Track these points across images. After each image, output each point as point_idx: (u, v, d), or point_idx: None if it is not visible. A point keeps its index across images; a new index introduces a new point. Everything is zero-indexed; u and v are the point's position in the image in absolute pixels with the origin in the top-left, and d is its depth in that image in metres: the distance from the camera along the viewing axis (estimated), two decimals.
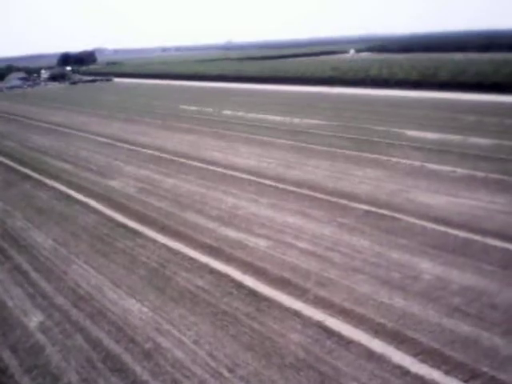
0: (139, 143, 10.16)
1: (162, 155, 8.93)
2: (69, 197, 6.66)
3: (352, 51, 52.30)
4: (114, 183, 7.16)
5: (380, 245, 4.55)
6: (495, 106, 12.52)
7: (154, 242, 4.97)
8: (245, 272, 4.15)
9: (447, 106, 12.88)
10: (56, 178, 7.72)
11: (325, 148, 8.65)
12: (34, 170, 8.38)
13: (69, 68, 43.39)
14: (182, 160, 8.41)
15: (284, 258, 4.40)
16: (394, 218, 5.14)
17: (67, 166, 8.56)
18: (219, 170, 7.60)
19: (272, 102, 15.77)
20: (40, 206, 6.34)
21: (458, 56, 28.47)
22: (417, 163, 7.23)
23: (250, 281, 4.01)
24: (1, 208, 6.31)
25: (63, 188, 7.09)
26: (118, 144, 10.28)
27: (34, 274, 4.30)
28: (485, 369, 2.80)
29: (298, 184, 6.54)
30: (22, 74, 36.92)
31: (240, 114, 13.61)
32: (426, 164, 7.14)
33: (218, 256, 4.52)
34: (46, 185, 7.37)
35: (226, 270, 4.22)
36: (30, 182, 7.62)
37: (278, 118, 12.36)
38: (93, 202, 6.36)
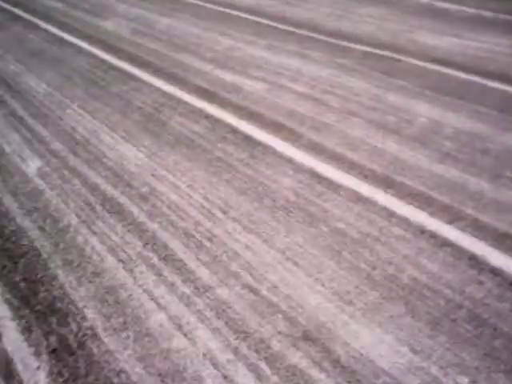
0: None
1: None
2: (61, 39, 6.49)
3: None
4: (107, 24, 6.94)
5: (378, 87, 4.51)
6: None
7: (149, 85, 4.93)
8: (240, 117, 4.17)
9: None
10: (48, 18, 7.46)
11: None
12: (26, 10, 8.08)
13: None
14: None
15: (280, 101, 4.38)
16: (394, 60, 5.04)
17: (59, 5, 8.25)
18: (217, 7, 7.32)
19: None
20: (32, 49, 6.20)
21: None
22: (423, 0, 6.95)
23: (245, 125, 4.03)
24: None
25: (55, 30, 6.88)
26: None
27: (30, 120, 4.34)
28: (469, 211, 2.91)
29: (298, 24, 6.32)
30: None
31: None
32: (433, 2, 6.86)
33: (213, 100, 4.50)
34: (37, 26, 7.15)
35: (221, 114, 4.23)
36: (22, 23, 7.38)
37: None
38: (85, 44, 6.21)
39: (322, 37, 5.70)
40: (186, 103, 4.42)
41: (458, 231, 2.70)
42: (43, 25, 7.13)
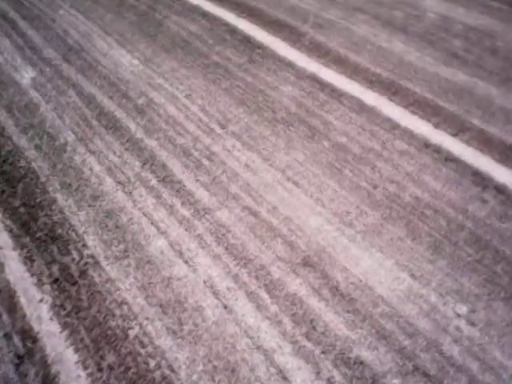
0: None
1: None
2: None
3: None
4: None
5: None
6: None
7: None
8: (239, 14, 3.93)
9: None
10: None
11: None
12: None
13: None
14: None
15: None
16: None
17: None
18: None
19: None
20: None
21: None
22: None
23: (244, 24, 3.81)
24: None
25: None
26: None
27: (21, 23, 4.12)
28: (475, 121, 2.80)
29: None
30: None
31: None
32: None
33: None
34: None
35: (219, 12, 3.99)
36: None
37: None
38: None
39: None
40: (181, 0, 4.15)
41: (463, 144, 2.61)
42: None
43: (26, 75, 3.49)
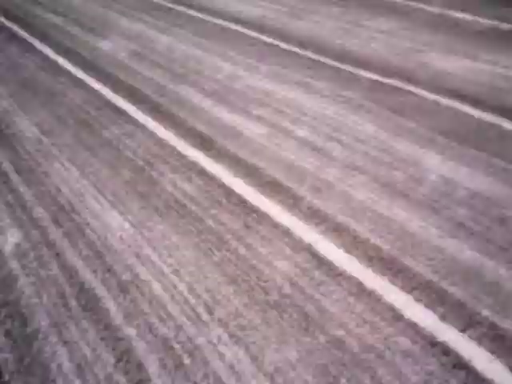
0: None
1: (159, 1, 8.13)
2: (56, 64, 6.13)
3: None
4: (104, 44, 6.55)
5: (386, 130, 4.09)
6: None
7: (143, 128, 4.56)
8: (236, 173, 3.79)
9: None
10: (45, 37, 7.08)
11: None
12: (24, 27, 7.73)
13: None
14: (179, 8, 7.64)
15: (280, 151, 3.99)
16: (404, 91, 4.61)
17: (59, 20, 7.87)
18: (219, 22, 6.88)
19: None
20: (25, 78, 5.85)
21: None
22: (436, 10, 6.44)
23: (240, 185, 3.65)
24: None
25: (51, 52, 6.52)
26: None
27: (14, 177, 4.01)
28: (485, 312, 2.52)
29: (303, 43, 5.87)
30: None
31: None
32: (446, 11, 6.35)
33: (209, 149, 4.13)
34: (33, 47, 6.80)
35: (216, 170, 3.85)
36: (17, 43, 7.03)
37: None
38: (81, 72, 5.85)
39: (327, 60, 5.27)
40: (179, 154, 4.07)
41: (473, 343, 2.32)
42: (39, 46, 6.78)
43: (11, 239, 3.31)
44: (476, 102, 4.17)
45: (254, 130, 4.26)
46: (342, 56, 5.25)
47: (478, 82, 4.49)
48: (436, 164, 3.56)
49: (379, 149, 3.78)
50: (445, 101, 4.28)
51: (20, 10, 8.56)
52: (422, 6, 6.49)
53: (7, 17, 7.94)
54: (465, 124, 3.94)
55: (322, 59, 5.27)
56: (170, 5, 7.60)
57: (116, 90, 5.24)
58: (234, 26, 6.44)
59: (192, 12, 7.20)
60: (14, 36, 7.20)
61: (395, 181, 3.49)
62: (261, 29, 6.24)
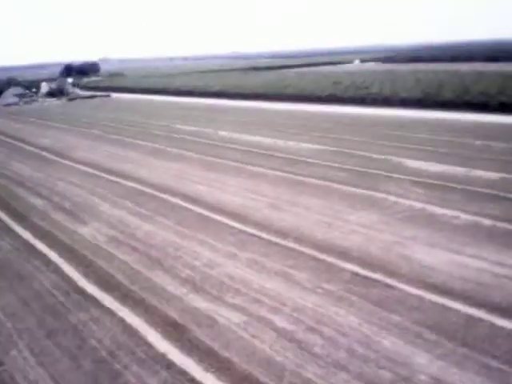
0: (123, 173, 9.50)
1: (144, 189, 8.28)
2: (32, 248, 6.03)
3: (357, 61, 53.29)
4: (84, 230, 6.52)
5: (369, 324, 3.90)
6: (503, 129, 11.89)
7: (112, 315, 4.34)
8: (207, 368, 3.50)
9: (452, 128, 12.21)
10: (23, 220, 7.09)
11: (320, 182, 7.99)
12: (3, 207, 7.76)
13: (70, 80, 42.66)
14: (164, 196, 7.77)
15: (256, 344, 3.75)
16: (386, 286, 4.49)
17: (40, 203, 7.94)
18: (201, 211, 6.94)
19: (269, 122, 15.10)
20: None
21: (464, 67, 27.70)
22: (417, 205, 6.57)
23: (212, 382, 3.36)
24: None
25: (28, 236, 6.46)
26: (101, 174, 9.64)
27: None
28: None
29: (284, 234, 5.88)
30: (19, 90, 36.04)
31: (235, 136, 12.91)
32: (426, 206, 6.48)
33: (179, 340, 3.88)
34: (11, 231, 6.75)
35: (185, 364, 3.56)
36: None
37: (273, 142, 11.70)
38: (55, 256, 5.73)
39: (308, 250, 5.21)
40: (147, 344, 3.81)
41: None
42: (17, 228, 6.72)
43: None
44: (463, 298, 4.05)
45: (230, 318, 4.07)
46: (323, 247, 5.23)
47: (464, 278, 4.41)
48: (425, 363, 3.34)
49: (363, 344, 3.56)
50: (430, 296, 4.15)
51: (3, 191, 8.67)
52: (401, 200, 6.64)
53: None
54: (452, 320, 3.77)
55: (303, 249, 5.21)
56: (155, 193, 7.70)
57: (88, 275, 5.12)
58: (215, 216, 6.49)
59: (175, 200, 7.29)
60: None
61: (381, 379, 3.22)
62: (242, 219, 6.30)
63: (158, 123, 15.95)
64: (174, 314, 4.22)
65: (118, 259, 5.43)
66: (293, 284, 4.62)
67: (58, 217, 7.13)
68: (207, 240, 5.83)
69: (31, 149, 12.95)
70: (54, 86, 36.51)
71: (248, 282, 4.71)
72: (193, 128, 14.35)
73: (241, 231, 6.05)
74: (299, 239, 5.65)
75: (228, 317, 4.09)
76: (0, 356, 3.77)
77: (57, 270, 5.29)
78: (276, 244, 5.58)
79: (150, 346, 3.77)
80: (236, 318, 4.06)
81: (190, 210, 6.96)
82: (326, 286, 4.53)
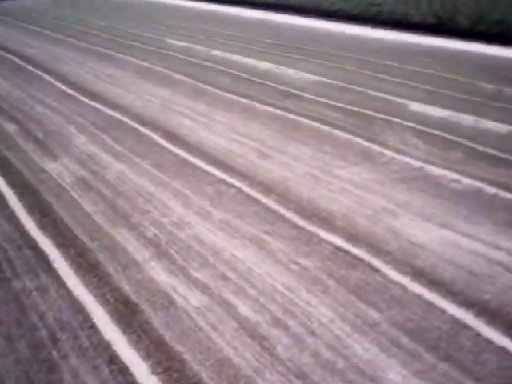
0: (106, 98, 8.91)
1: (124, 120, 7.72)
2: None
3: None
4: (52, 167, 6.05)
5: (343, 320, 3.51)
6: None
7: (60, 284, 3.97)
8: (154, 368, 3.13)
9: (465, 63, 11.35)
10: None
11: (313, 123, 7.42)
12: None
13: None
14: (144, 130, 7.22)
15: (214, 337, 3.37)
16: (368, 267, 4.07)
17: (12, 129, 7.42)
18: (182, 153, 6.43)
19: (270, 39, 14.09)
20: None
21: None
22: (415, 163, 6.04)
23: None
24: None
25: None
26: (82, 98, 9.02)
27: None
28: None
29: (267, 188, 5.41)
30: None
31: (228, 55, 12.09)
32: (425, 165, 5.95)
33: (129, 325, 3.50)
34: None
35: (131, 358, 3.19)
36: None
37: (270, 67, 10.92)
38: (14, 199, 5.31)
39: (289, 214, 4.74)
40: (92, 327, 3.40)
41: None
42: None
43: None
44: (451, 293, 3.63)
45: (188, 298, 3.69)
46: (306, 210, 4.76)
47: (455, 263, 3.98)
48: (398, 382, 2.93)
49: (332, 348, 3.16)
50: (415, 286, 3.72)
51: None
52: (399, 156, 6.11)
53: None
54: (436, 324, 3.36)
55: (283, 211, 4.73)
56: (136, 125, 7.15)
57: (45, 226, 4.70)
58: (195, 161, 6.00)
59: (156, 137, 6.76)
60: None
61: None
62: (224, 165, 5.79)
63: (151, 35, 14.98)
64: (128, 287, 3.82)
65: (79, 208, 5.00)
66: (266, 256, 4.21)
67: (30, 149, 6.66)
68: (182, 190, 5.39)
69: (16, 60, 12.19)
70: None
71: (218, 251, 4.31)
72: (185, 44, 13.42)
73: (220, 180, 5.59)
74: (282, 197, 5.19)
75: (188, 297, 3.69)
76: None
77: (12, 218, 4.88)
78: (256, 201, 5.13)
79: (94, 329, 3.39)
80: (196, 298, 3.67)
81: (170, 152, 6.46)
82: (302, 261, 4.12)
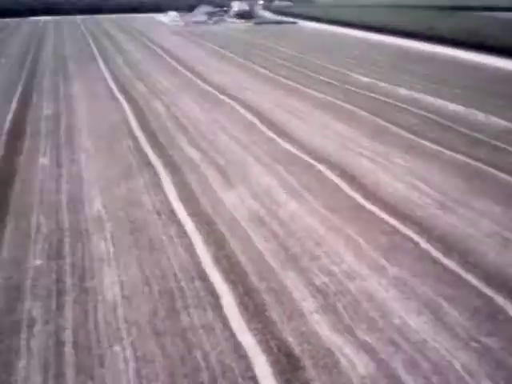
0: (284, 129, 8.93)
1: (300, 154, 7.65)
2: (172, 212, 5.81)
3: None
4: (228, 197, 6.17)
5: None
6: None
7: (224, 325, 3.93)
8: None
9: None
10: (177, 174, 6.92)
11: (507, 177, 6.76)
12: (161, 155, 7.68)
13: (261, 1, 41.57)
14: (319, 168, 7.09)
15: None
16: None
17: (195, 156, 7.72)
18: (357, 196, 6.23)
19: (460, 79, 13.25)
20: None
21: None
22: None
23: None
24: None
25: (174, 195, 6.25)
26: (262, 127, 9.14)
27: None
28: None
29: (448, 246, 5.02)
30: (209, 8, 36.17)
31: (413, 94, 11.51)
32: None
33: (288, 382, 3.35)
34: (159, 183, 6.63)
35: None
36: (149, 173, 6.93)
37: (458, 109, 10.24)
38: (191, 228, 5.45)
39: (472, 280, 4.39)
40: (254, 379, 3.34)
41: None
42: (165, 178, 6.61)
43: None
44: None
45: (355, 365, 3.51)
46: (493, 277, 4.37)
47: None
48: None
49: None
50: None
51: (163, 134, 8.60)
52: None
53: (150, 142, 7.89)
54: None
55: (465, 276, 4.36)
56: (312, 161, 7.09)
57: (218, 260, 4.72)
58: (370, 205, 5.75)
59: (331, 176, 6.62)
60: (148, 163, 7.07)
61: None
62: (400, 214, 5.48)
63: (337, 68, 14.95)
64: (292, 339, 3.73)
65: (253, 246, 4.99)
66: (443, 327, 3.88)
67: (210, 175, 6.85)
68: (354, 237, 5.21)
69: (204, 85, 12.81)
70: (244, 6, 35.82)
71: (388, 311, 4.06)
72: (369, 79, 13.17)
73: (395, 231, 5.31)
74: (465, 258, 4.78)
75: (354, 361, 3.47)
76: None
77: (188, 248, 4.98)
78: (434, 260, 4.77)
79: (255, 382, 3.28)
80: (363, 366, 3.43)
81: (344, 193, 6.30)
82: (485, 340, 3.70)
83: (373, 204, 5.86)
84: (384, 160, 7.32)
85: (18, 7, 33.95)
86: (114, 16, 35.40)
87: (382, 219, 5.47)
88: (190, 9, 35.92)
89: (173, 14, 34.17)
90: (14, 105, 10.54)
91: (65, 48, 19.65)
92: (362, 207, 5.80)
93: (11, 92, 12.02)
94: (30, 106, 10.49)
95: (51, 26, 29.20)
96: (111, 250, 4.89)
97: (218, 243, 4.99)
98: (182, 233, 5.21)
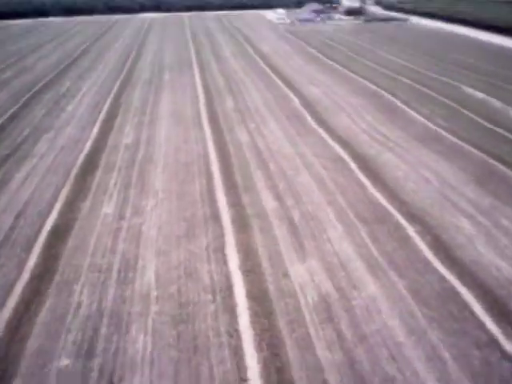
0: (375, 169, 7.91)
1: (388, 208, 6.61)
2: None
3: None
4: (297, 271, 5.40)
5: None
6: None
7: None
8: None
9: None
10: (243, 230, 6.21)
11: None
12: (232, 204, 6.98)
13: None
14: (409, 231, 6.02)
15: None
16: None
17: (269, 205, 6.91)
18: (449, 277, 5.17)
19: None
20: None
21: None
22: None
23: None
24: None
25: None
26: (352, 165, 8.11)
27: None
28: None
29: None
30: (316, 5, 35.01)
31: None
32: None
33: None
34: None
35: None
36: None
37: None
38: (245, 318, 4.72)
39: None
40: None
41: None
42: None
43: None
44: None
45: None
46: None
47: None
48: None
49: None
50: None
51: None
52: None
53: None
54: None
55: None
56: (402, 220, 6.12)
57: (268, 375, 3.96)
58: (464, 291, 4.77)
59: (422, 245, 5.65)
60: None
61: None
62: (503, 313, 4.48)
63: (446, 80, 13.44)
64: None
65: (312, 353, 4.18)
66: None
67: (279, 233, 6.06)
68: (441, 348, 4.20)
69: (296, 103, 11.94)
70: (355, 3, 34.44)
71: None
72: (483, 95, 11.63)
73: (493, 341, 4.30)
74: None
75: None
76: None
77: (237, 351, 4.24)
78: None
79: None
80: None
81: (435, 272, 5.39)
82: None
83: (467, 288, 4.88)
84: (488, 221, 6.18)
85: (130, 4, 35.16)
86: (221, 13, 35.04)
87: (477, 317, 4.51)
88: (299, 5, 35.11)
89: (280, 11, 33.51)
90: (95, 129, 10.17)
91: (164, 54, 19.24)
92: (454, 292, 4.83)
93: (100, 106, 11.70)
94: (112, 132, 10.07)
95: (158, 22, 29.24)
96: (148, 349, 4.23)
97: (271, 347, 4.20)
98: (233, 330, 4.46)
